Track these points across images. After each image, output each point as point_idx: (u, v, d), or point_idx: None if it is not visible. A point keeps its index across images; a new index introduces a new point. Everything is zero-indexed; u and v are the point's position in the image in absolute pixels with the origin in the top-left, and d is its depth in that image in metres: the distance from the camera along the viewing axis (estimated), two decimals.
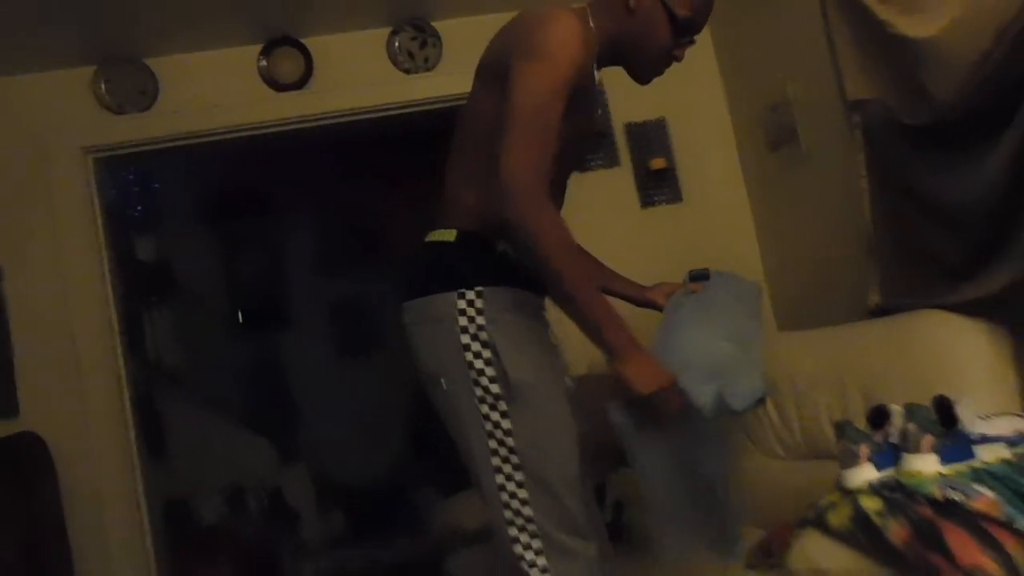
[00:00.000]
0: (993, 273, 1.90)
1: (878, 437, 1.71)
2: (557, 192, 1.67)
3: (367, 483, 6.24)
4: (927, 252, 2.19)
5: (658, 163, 3.36)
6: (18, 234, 3.05)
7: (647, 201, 3.40)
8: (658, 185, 3.40)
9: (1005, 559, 1.44)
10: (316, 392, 6.80)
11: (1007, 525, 1.48)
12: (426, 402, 1.67)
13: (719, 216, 3.41)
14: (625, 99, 3.39)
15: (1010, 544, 1.46)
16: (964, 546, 1.46)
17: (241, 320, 7.01)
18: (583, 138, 1.74)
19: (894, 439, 1.69)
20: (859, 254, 2.50)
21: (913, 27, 2.09)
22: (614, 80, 3.42)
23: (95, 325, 3.06)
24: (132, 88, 3.17)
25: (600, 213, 3.29)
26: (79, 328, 3.04)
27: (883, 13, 2.20)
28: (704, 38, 3.45)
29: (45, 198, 3.08)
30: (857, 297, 2.47)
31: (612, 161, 3.38)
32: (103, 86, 3.14)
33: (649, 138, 3.40)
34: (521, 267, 1.61)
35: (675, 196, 3.40)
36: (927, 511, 1.53)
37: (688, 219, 3.40)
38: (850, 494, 1.67)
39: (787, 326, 3.23)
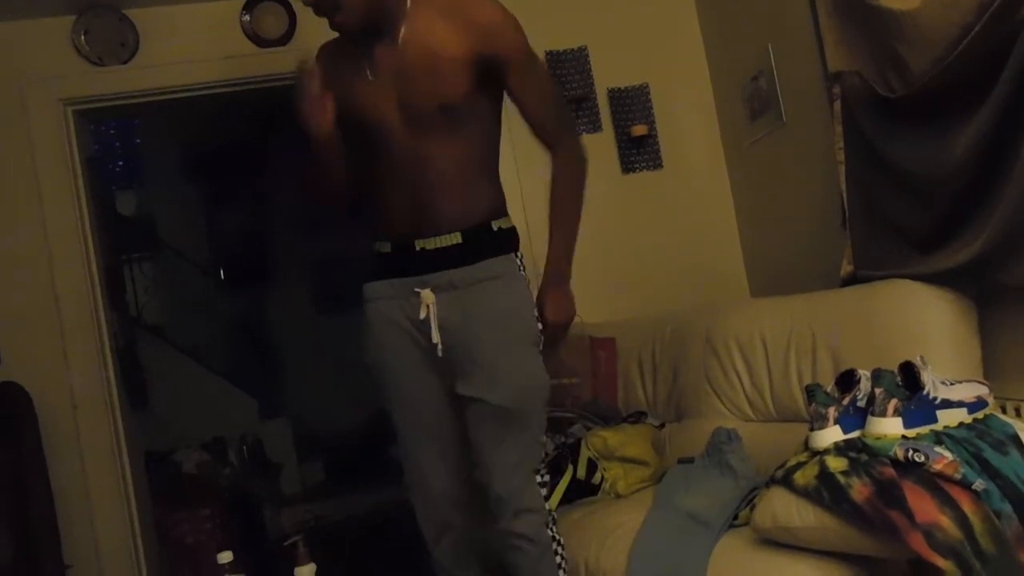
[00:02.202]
0: (960, 245, 1.95)
1: (846, 400, 1.77)
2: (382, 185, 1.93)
3: (346, 436, 6.29)
4: (899, 223, 2.24)
5: (639, 129, 3.38)
6: None
7: (628, 167, 3.42)
8: (639, 151, 3.42)
9: (960, 517, 1.51)
10: (297, 347, 6.82)
11: (964, 485, 1.55)
12: None
13: (698, 184, 3.45)
14: (608, 65, 3.40)
15: (966, 503, 1.53)
16: (923, 504, 1.53)
17: (223, 276, 6.99)
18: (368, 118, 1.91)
19: (861, 403, 1.76)
20: (834, 224, 2.54)
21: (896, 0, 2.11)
22: (598, 46, 3.44)
23: (76, 277, 3.05)
24: (112, 40, 3.12)
25: None
26: (60, 279, 3.03)
27: None
28: (688, 5, 3.49)
29: (24, 149, 3.04)
30: (831, 266, 2.52)
31: (594, 126, 3.39)
32: (82, 37, 3.09)
33: (631, 104, 3.42)
34: (384, 258, 1.92)
35: (655, 163, 3.43)
36: (889, 471, 1.59)
37: (668, 186, 3.43)
38: (817, 455, 1.74)
39: (761, 293, 3.29)
